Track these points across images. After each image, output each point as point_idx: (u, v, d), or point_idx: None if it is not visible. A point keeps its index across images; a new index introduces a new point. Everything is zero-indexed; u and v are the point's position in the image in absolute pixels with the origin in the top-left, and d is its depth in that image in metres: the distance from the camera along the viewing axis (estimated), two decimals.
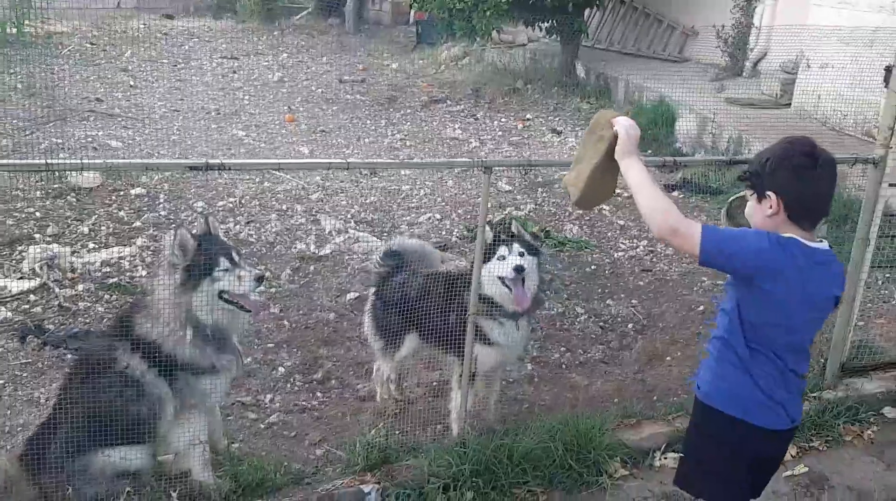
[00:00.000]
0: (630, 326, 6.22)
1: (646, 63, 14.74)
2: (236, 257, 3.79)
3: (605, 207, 8.69)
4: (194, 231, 3.77)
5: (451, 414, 4.46)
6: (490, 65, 16.68)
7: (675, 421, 4.53)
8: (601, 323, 6.24)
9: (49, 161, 2.95)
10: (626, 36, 15.98)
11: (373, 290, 4.88)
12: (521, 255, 4.25)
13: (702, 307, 6.44)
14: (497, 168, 9.72)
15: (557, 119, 13.11)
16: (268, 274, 6.58)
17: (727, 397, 3.00)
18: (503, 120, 13.05)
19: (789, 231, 2.82)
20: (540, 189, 9.33)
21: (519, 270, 4.18)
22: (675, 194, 9.51)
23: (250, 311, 3.85)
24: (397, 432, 4.34)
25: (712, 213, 8.73)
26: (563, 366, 5.58)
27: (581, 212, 8.59)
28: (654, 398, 5.03)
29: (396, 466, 4.00)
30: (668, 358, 5.65)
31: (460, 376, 4.38)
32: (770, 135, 9.41)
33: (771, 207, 2.83)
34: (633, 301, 6.61)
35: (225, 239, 3.96)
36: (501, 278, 4.23)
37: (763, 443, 3.00)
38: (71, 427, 3.62)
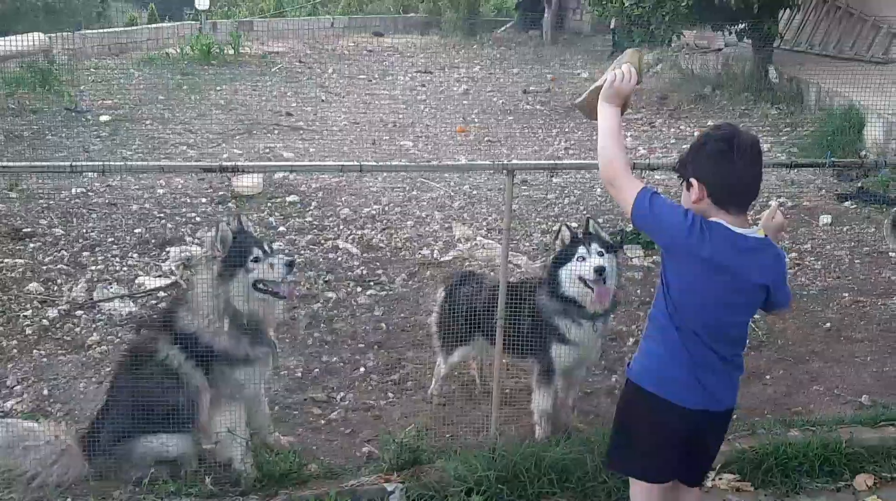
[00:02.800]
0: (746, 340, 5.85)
1: (845, 65, 13.71)
2: (268, 249, 4.01)
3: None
4: (231, 228, 4.01)
5: (533, 416, 4.46)
6: (681, 71, 16.18)
7: (737, 441, 4.26)
8: None
9: (73, 163, 3.26)
10: (829, 37, 14.98)
11: (443, 294, 4.94)
12: (601, 254, 4.19)
13: (828, 325, 5.97)
14: (657, 176, 9.67)
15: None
16: (383, 278, 6.78)
17: (648, 373, 3.04)
18: (682, 127, 12.64)
19: (717, 216, 2.86)
20: None
21: (600, 271, 4.13)
22: (848, 203, 8.84)
23: (285, 298, 4.05)
24: (448, 434, 4.38)
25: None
26: None
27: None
28: (734, 416, 4.72)
29: (426, 467, 4.02)
30: (767, 377, 5.28)
31: (539, 375, 4.43)
32: None
33: (695, 193, 2.86)
34: (754, 315, 6.22)
35: (255, 234, 4.20)
36: (582, 278, 4.18)
37: (685, 422, 2.99)
38: (117, 414, 3.95)
